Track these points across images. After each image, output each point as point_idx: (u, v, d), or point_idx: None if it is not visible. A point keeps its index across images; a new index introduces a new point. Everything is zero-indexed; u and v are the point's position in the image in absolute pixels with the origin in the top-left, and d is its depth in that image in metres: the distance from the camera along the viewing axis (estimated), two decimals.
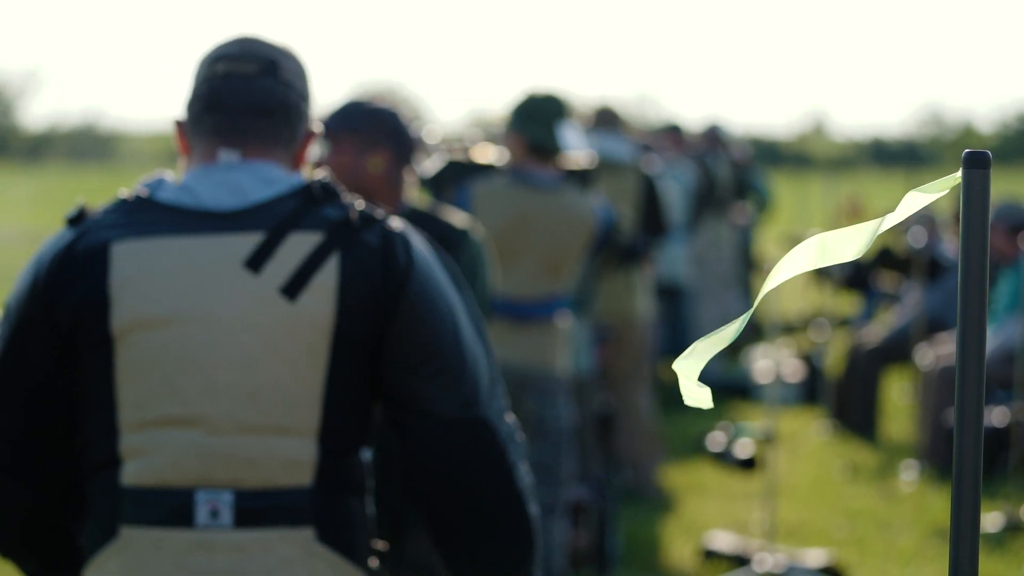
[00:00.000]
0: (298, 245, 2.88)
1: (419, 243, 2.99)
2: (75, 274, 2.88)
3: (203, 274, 2.87)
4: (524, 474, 3.03)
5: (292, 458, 2.87)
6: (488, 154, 6.50)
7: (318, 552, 2.88)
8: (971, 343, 1.76)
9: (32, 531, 3.04)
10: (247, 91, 2.98)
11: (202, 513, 2.85)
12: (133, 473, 2.86)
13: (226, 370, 2.86)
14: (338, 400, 2.90)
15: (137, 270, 2.86)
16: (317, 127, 3.12)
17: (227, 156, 2.97)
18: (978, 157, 1.75)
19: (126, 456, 2.87)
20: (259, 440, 2.86)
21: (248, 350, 2.86)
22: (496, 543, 3.03)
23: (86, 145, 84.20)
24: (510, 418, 3.06)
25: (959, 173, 1.76)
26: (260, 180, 2.94)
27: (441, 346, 2.94)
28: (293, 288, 2.86)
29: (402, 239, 2.95)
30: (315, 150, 3.17)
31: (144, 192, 2.95)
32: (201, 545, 2.84)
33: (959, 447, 1.77)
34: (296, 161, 3.05)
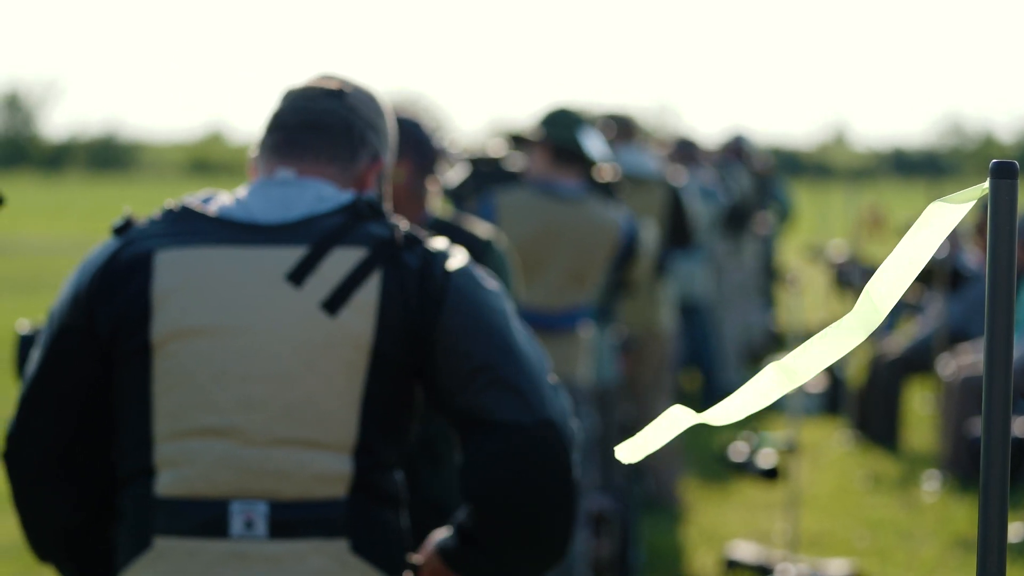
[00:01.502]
0: (341, 260, 2.86)
1: (459, 257, 2.97)
2: (118, 283, 2.89)
3: (244, 285, 2.86)
4: (578, 464, 2.96)
5: (326, 472, 2.86)
6: (513, 162, 6.48)
7: (352, 563, 2.87)
8: (998, 352, 1.76)
9: (74, 537, 3.05)
10: (306, 110, 3.02)
11: (237, 523, 2.85)
12: (167, 483, 2.86)
13: (262, 383, 2.85)
14: (375, 418, 2.88)
15: (179, 279, 2.86)
16: (391, 159, 3.12)
17: (284, 173, 2.98)
18: (1005, 167, 1.75)
19: (160, 466, 2.87)
20: (293, 453, 2.85)
21: (285, 363, 2.85)
22: (543, 538, 2.96)
23: (106, 155, 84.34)
24: (574, 422, 2.98)
25: (986, 183, 1.75)
26: (312, 196, 2.94)
27: (491, 355, 2.90)
28: (334, 303, 2.85)
29: (440, 258, 2.93)
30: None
31: (192, 203, 2.96)
32: (236, 555, 2.84)
33: (986, 457, 1.77)
34: (359, 185, 3.04)
